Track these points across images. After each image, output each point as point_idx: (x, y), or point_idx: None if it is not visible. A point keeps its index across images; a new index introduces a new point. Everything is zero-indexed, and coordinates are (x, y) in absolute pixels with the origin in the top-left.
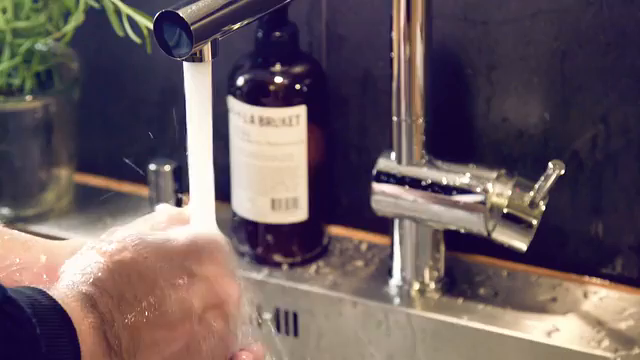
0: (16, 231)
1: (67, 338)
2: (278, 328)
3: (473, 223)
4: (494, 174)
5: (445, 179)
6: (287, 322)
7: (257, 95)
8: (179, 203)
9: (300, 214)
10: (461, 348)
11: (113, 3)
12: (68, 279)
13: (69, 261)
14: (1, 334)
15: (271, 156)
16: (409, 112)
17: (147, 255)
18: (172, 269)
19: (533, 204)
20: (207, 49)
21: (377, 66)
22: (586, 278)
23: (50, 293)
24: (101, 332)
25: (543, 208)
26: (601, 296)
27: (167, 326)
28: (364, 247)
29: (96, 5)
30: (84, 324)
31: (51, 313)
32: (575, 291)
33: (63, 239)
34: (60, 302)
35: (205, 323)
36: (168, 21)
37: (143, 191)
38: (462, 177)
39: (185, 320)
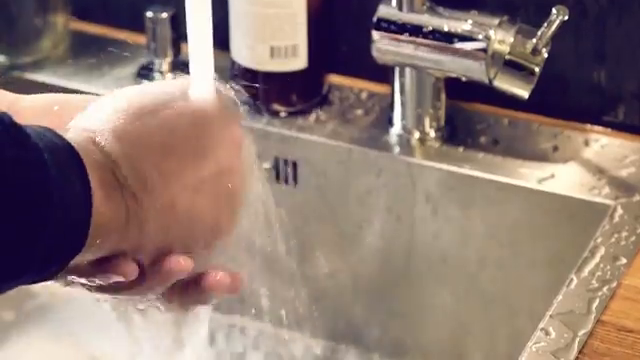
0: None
1: (76, 169)
2: (277, 177)
3: (474, 70)
4: (496, 20)
5: (446, 26)
6: (286, 171)
7: None
8: (177, 51)
9: (299, 62)
10: (461, 197)
11: None
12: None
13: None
14: (10, 156)
15: (270, 2)
16: None
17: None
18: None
19: (535, 51)
20: None
21: None
22: (588, 126)
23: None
24: (108, 169)
25: (545, 55)
26: (602, 144)
27: (180, 163)
28: (364, 96)
29: None
30: (90, 159)
31: (58, 146)
32: (576, 139)
33: (59, 87)
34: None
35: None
36: None
37: (140, 39)
38: (464, 24)
39: (200, 162)
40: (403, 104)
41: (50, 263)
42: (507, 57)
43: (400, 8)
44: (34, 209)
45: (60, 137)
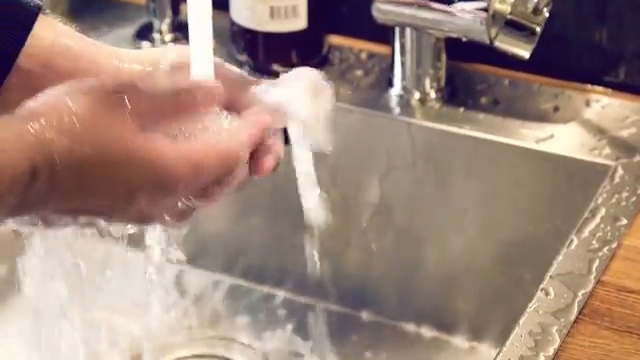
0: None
1: None
2: None
3: (475, 30)
4: None
5: None
6: (285, 132)
7: None
8: (176, 12)
9: (299, 22)
10: (461, 158)
11: None
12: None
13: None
14: None
15: None
16: None
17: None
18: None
19: (537, 10)
20: None
21: None
22: (588, 86)
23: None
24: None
25: (547, 15)
26: (603, 104)
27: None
28: (364, 56)
29: None
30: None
31: None
32: (577, 99)
33: None
34: None
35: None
36: None
37: None
38: None
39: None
40: (403, 64)
41: None
42: (508, 17)
43: None
44: None
45: None
